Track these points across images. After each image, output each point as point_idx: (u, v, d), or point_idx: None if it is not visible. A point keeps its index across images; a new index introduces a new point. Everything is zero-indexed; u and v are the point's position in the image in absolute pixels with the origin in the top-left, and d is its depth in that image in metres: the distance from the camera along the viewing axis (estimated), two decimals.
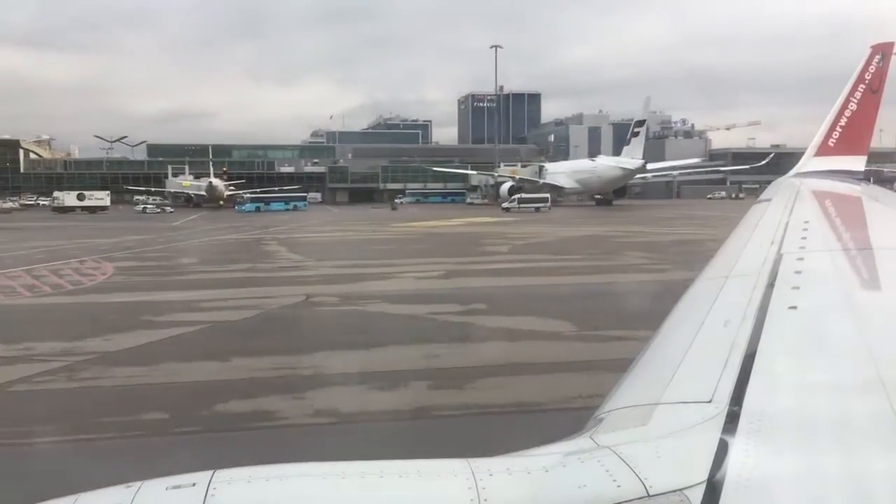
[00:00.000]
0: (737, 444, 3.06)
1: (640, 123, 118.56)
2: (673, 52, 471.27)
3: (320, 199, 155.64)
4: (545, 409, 14.42)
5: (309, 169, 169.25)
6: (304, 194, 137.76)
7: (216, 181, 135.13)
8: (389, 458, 3.05)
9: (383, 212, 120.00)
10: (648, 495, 2.77)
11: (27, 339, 22.12)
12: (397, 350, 20.26)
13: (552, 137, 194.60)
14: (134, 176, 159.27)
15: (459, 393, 15.97)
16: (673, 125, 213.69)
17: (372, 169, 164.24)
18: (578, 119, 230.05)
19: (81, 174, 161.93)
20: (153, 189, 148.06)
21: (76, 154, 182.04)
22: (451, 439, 12.91)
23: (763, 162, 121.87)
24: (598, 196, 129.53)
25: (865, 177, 12.18)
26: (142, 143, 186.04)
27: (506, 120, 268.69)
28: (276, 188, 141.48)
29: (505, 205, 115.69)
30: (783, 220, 7.70)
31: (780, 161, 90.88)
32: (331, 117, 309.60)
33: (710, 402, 3.53)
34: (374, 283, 34.06)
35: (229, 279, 36.73)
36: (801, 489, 2.81)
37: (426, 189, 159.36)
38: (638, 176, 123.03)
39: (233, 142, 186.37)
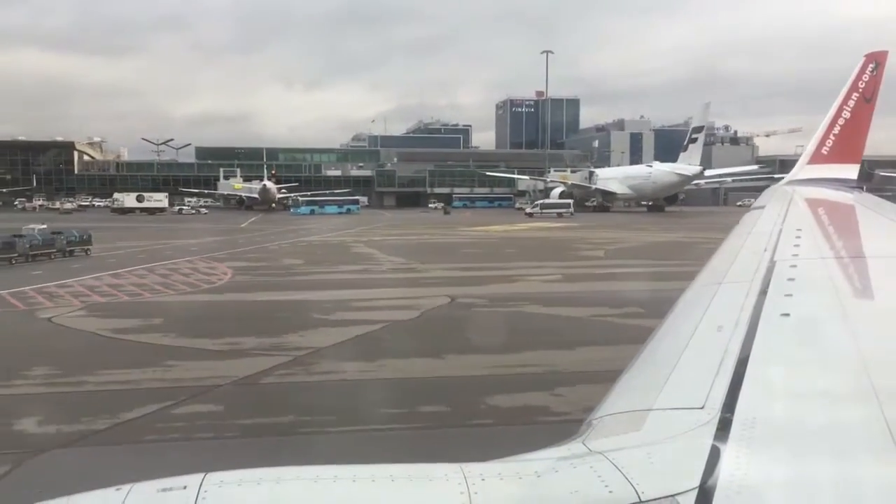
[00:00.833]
0: (729, 451, 3.06)
1: (699, 129, 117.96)
2: (704, 59, 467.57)
3: (367, 203, 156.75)
4: None
5: (355, 173, 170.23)
6: (357, 198, 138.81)
7: (269, 184, 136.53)
8: None
9: (436, 216, 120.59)
10: (641, 501, 2.78)
11: (221, 335, 22.91)
12: (608, 350, 20.14)
13: (596, 143, 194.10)
14: (185, 178, 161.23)
15: None
16: (716, 132, 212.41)
17: (418, 173, 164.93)
18: (620, 125, 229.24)
19: (133, 176, 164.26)
20: (205, 191, 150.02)
21: (125, 156, 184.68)
22: None
23: None
24: (649, 202, 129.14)
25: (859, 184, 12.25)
26: (186, 145, 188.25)
27: (544, 125, 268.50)
28: (328, 192, 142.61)
29: (528, 210, 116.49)
30: (776, 227, 7.77)
31: None
32: (372, 121, 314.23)
33: (702, 408, 3.53)
34: (504, 285, 34.54)
35: (355, 280, 37.48)
36: (793, 496, 2.83)
37: (472, 194, 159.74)
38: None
39: (267, 144, 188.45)
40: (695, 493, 2.79)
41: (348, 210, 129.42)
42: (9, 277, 38.37)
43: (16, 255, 45.38)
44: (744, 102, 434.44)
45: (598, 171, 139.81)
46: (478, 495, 2.85)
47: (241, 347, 20.93)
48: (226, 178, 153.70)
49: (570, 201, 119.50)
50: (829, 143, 12.24)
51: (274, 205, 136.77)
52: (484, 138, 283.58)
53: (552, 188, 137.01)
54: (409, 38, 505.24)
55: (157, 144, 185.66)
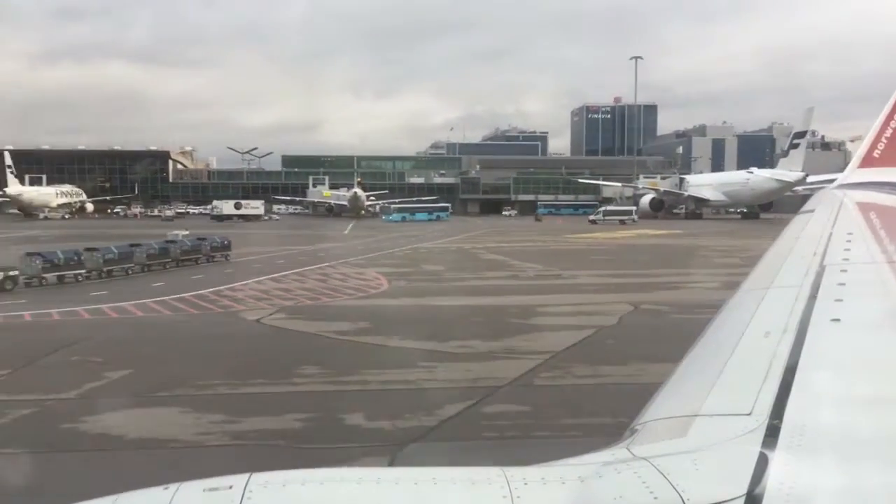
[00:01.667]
0: (777, 459, 2.98)
1: (801, 135, 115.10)
2: (780, 62, 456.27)
3: (450, 210, 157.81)
4: None
5: (438, 180, 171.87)
6: (447, 205, 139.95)
7: (360, 192, 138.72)
8: None
9: (527, 223, 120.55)
10: None
11: (442, 337, 23.50)
12: None
13: (680, 149, 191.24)
14: (273, 186, 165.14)
15: None
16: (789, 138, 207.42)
17: (502, 180, 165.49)
18: (701, 130, 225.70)
19: (225, 184, 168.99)
20: (297, 199, 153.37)
21: (214, 164, 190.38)
22: None
23: None
24: (744, 209, 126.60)
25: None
26: (269, 153, 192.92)
27: (621, 132, 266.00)
28: (414, 199, 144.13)
29: (591, 217, 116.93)
30: (826, 231, 7.46)
31: None
32: (451, 129, 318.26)
33: (749, 414, 3.45)
34: (670, 292, 34.54)
35: (517, 286, 37.95)
36: None
37: (557, 201, 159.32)
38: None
39: (336, 152, 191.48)
40: (742, 500, 2.73)
41: (437, 217, 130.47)
42: (175, 281, 40.07)
43: (169, 260, 47.33)
44: (823, 106, 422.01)
45: (688, 177, 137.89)
46: (521, 499, 2.83)
47: (476, 350, 21.49)
48: (314, 185, 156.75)
49: (633, 208, 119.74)
50: (881, 146, 11.88)
51: (363, 212, 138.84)
52: (555, 145, 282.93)
53: (642, 195, 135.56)
54: (475, 46, 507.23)
55: (242, 153, 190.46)
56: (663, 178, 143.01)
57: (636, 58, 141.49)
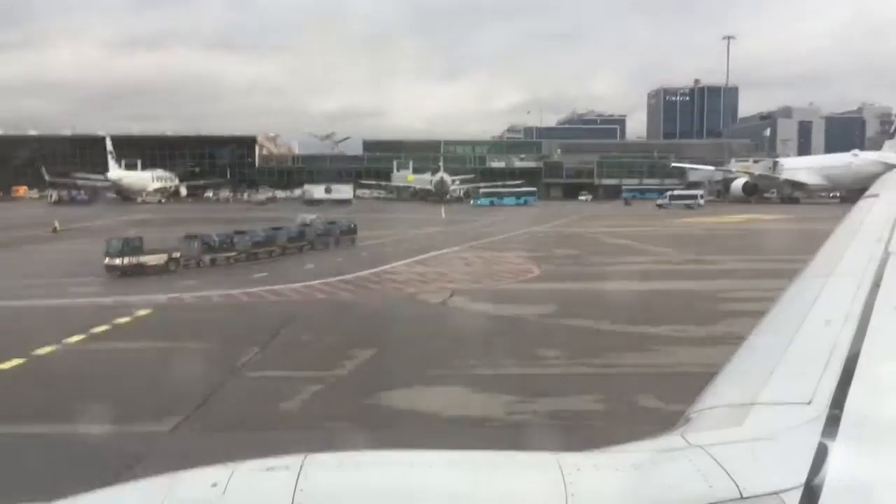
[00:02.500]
0: (837, 449, 2.90)
1: None
2: (856, 42, 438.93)
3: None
4: None
5: (519, 164, 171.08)
6: (534, 189, 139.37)
7: (446, 176, 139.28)
8: None
9: (616, 208, 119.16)
10: (742, 497, 2.64)
11: (654, 322, 23.39)
12: None
13: (768, 132, 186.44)
14: (356, 170, 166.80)
15: None
16: (894, 118, 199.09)
17: (585, 164, 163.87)
18: (786, 112, 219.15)
19: (309, 169, 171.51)
20: (382, 183, 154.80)
21: (297, 149, 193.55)
22: None
23: None
24: (841, 193, 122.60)
25: None
26: (346, 138, 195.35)
27: (700, 114, 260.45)
28: (499, 183, 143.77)
29: (659, 201, 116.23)
30: (891, 217, 6.85)
31: None
32: (528, 112, 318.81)
33: (809, 403, 3.35)
34: None
35: (674, 271, 37.81)
36: None
37: (642, 185, 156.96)
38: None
39: (402, 136, 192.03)
40: (800, 490, 2.66)
41: (525, 201, 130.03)
42: (322, 264, 40.98)
43: (305, 243, 48.36)
44: None
45: (783, 160, 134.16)
46: (573, 485, 2.79)
47: (699, 335, 21.34)
48: (398, 170, 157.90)
49: (699, 192, 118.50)
50: None
51: (448, 196, 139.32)
52: (628, 128, 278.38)
53: (733, 179, 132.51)
54: (541, 28, 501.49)
55: (321, 138, 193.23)
56: (756, 162, 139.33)
57: (728, 37, 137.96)
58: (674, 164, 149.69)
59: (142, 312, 25.93)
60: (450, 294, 30.21)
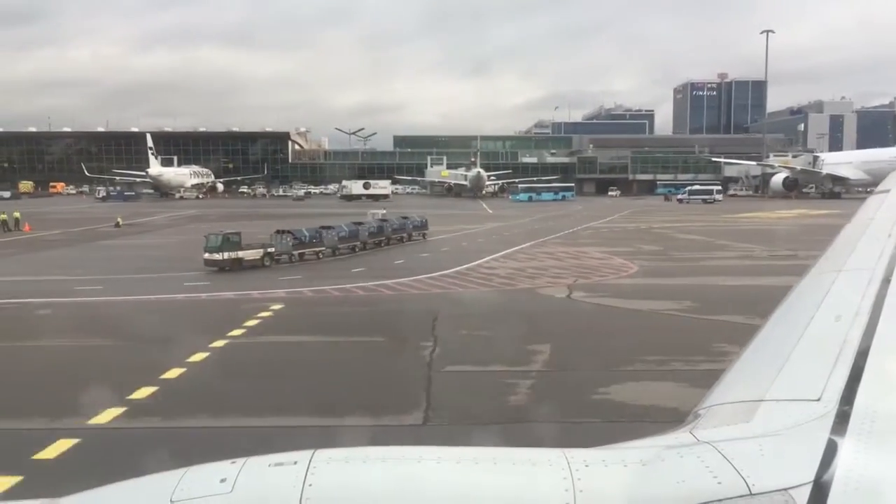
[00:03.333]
0: (847, 445, 2.88)
1: None
2: (887, 34, 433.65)
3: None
4: None
5: (551, 160, 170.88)
6: (572, 185, 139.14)
7: (482, 171, 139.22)
8: None
9: (654, 203, 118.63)
10: (751, 493, 2.64)
11: None
12: None
13: (802, 126, 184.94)
14: (388, 166, 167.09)
15: None
16: None
17: (619, 159, 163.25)
18: (818, 107, 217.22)
19: (341, 164, 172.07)
20: (418, 179, 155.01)
21: (326, 145, 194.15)
22: None
23: None
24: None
25: None
26: (373, 134, 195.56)
27: (727, 109, 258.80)
28: (534, 179, 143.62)
29: (679, 196, 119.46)
30: None
31: None
32: (556, 108, 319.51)
33: (818, 400, 3.34)
34: None
35: (765, 267, 37.33)
36: None
37: (676, 181, 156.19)
38: None
39: (425, 132, 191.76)
40: (809, 487, 2.64)
41: (563, 197, 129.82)
42: (411, 259, 41.25)
43: (383, 238, 48.53)
44: None
45: (823, 154, 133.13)
46: (581, 481, 2.79)
47: None
48: (432, 165, 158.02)
49: (715, 188, 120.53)
50: None
51: (484, 192, 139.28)
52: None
53: (772, 174, 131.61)
54: (560, 24, 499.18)
55: (350, 133, 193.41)
56: (794, 157, 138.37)
57: (767, 31, 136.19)
58: (714, 159, 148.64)
59: (276, 307, 26.10)
60: (567, 289, 30.21)
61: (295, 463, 2.90)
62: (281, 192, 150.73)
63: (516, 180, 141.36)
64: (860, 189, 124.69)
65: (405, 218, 53.46)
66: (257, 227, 54.98)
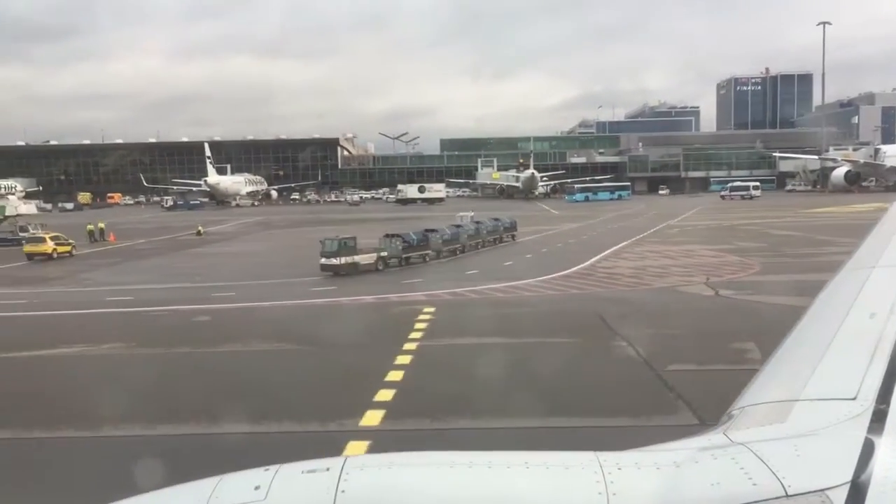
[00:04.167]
0: (884, 444, 2.85)
1: None
2: None
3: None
4: None
5: (601, 159, 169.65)
6: (628, 184, 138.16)
7: (536, 173, 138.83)
8: None
9: (713, 198, 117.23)
10: (787, 495, 2.61)
11: None
12: None
13: (856, 119, 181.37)
14: (436, 169, 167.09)
15: None
16: None
17: (671, 157, 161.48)
18: (868, 98, 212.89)
19: (390, 169, 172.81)
20: (470, 181, 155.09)
21: (372, 150, 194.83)
22: None
23: None
24: None
25: None
26: (416, 138, 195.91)
27: (773, 104, 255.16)
28: (587, 178, 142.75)
29: (722, 193, 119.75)
30: None
31: None
32: (599, 107, 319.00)
33: (854, 399, 3.31)
34: None
35: None
36: None
37: (729, 177, 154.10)
38: None
39: (458, 135, 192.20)
40: (847, 488, 2.60)
41: (619, 196, 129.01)
42: (519, 260, 41.23)
43: (479, 240, 48.51)
44: None
45: (885, 147, 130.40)
46: (614, 484, 2.76)
47: None
48: (482, 167, 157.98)
49: (752, 184, 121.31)
50: None
51: (536, 192, 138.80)
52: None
53: (833, 168, 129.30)
54: (590, 23, 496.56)
55: (394, 139, 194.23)
56: (855, 150, 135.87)
57: (824, 23, 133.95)
58: (776, 154, 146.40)
59: (428, 309, 26.10)
60: (707, 287, 29.91)
61: (327, 470, 2.92)
62: (333, 198, 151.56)
63: (568, 180, 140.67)
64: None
65: (496, 219, 53.37)
66: (329, 233, 55.71)
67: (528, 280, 33.38)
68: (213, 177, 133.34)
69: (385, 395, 15.38)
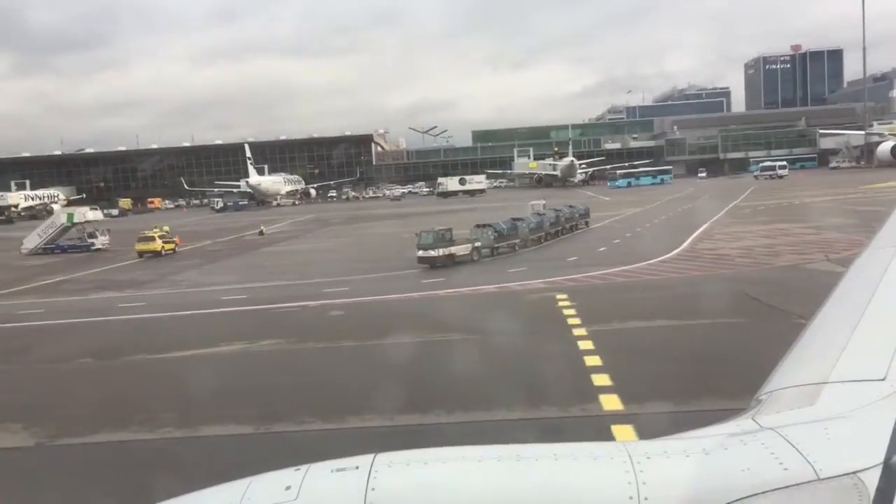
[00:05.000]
0: None
1: None
2: None
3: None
4: None
5: (635, 144, 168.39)
6: (669, 167, 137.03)
7: (575, 160, 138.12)
8: None
9: (759, 181, 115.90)
10: (819, 479, 2.58)
11: None
12: None
13: (895, 93, 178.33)
14: (470, 162, 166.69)
15: None
16: None
17: (708, 139, 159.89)
18: None
19: (424, 163, 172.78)
20: (508, 172, 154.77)
21: (404, 145, 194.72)
22: None
23: None
24: None
25: None
26: (444, 131, 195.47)
27: (803, 81, 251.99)
28: (626, 164, 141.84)
29: (756, 173, 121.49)
30: None
31: None
32: (628, 92, 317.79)
33: (883, 379, 3.28)
34: None
35: None
36: None
37: (770, 156, 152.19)
38: None
39: (475, 127, 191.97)
40: (879, 469, 2.56)
41: (661, 180, 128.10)
42: (610, 246, 40.80)
43: (560, 228, 48.19)
44: None
45: None
46: (643, 473, 2.75)
47: None
48: (518, 157, 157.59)
49: (778, 164, 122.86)
50: None
51: (574, 180, 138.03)
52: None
53: (879, 143, 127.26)
54: (606, 8, 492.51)
55: (423, 132, 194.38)
56: None
57: None
58: (821, 131, 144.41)
59: (561, 296, 25.80)
60: (834, 264, 29.36)
61: (357, 468, 2.92)
62: (370, 194, 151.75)
63: (607, 167, 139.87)
64: None
65: (571, 207, 52.98)
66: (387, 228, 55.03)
67: (637, 264, 33.02)
68: (254, 177, 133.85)
69: (602, 379, 15.15)
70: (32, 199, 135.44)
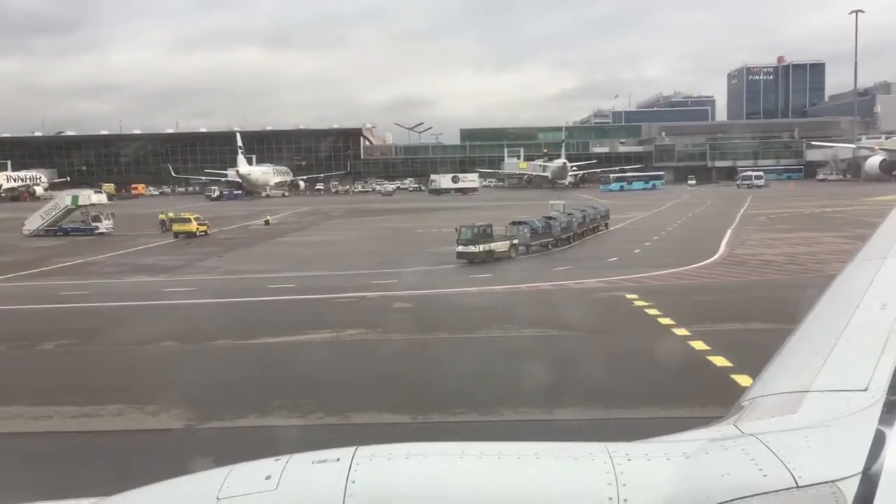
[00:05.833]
0: None
1: None
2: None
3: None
4: None
5: (623, 149, 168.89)
6: (661, 173, 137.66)
7: (567, 162, 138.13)
8: None
9: (736, 190, 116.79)
10: (797, 486, 2.59)
11: None
12: None
13: (878, 108, 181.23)
14: (458, 160, 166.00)
15: None
16: None
17: (696, 146, 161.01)
18: (885, 88, 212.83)
19: (413, 159, 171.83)
20: (499, 172, 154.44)
21: (391, 140, 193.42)
22: None
23: None
24: None
25: None
26: (429, 128, 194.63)
27: (785, 93, 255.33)
28: (616, 168, 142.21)
29: (738, 182, 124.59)
30: None
31: None
32: (616, 97, 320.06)
33: (865, 390, 3.30)
34: None
35: None
36: None
37: (756, 167, 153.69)
38: None
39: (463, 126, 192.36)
40: (857, 479, 2.58)
41: (653, 185, 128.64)
42: (643, 247, 40.64)
43: (587, 227, 47.99)
44: None
45: None
46: (624, 475, 2.75)
47: None
48: (509, 157, 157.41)
49: (756, 174, 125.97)
50: None
51: (564, 182, 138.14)
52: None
53: (867, 157, 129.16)
54: (590, 14, 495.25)
55: (409, 129, 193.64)
56: (888, 138, 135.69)
57: (857, 11, 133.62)
58: (813, 143, 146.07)
59: (631, 295, 25.52)
60: None
61: (338, 460, 2.91)
62: (359, 189, 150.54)
63: (598, 170, 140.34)
64: None
65: (594, 208, 52.81)
66: (394, 223, 54.24)
67: (685, 267, 32.92)
68: (243, 167, 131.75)
69: (745, 380, 14.79)
70: (14, 180, 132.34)
